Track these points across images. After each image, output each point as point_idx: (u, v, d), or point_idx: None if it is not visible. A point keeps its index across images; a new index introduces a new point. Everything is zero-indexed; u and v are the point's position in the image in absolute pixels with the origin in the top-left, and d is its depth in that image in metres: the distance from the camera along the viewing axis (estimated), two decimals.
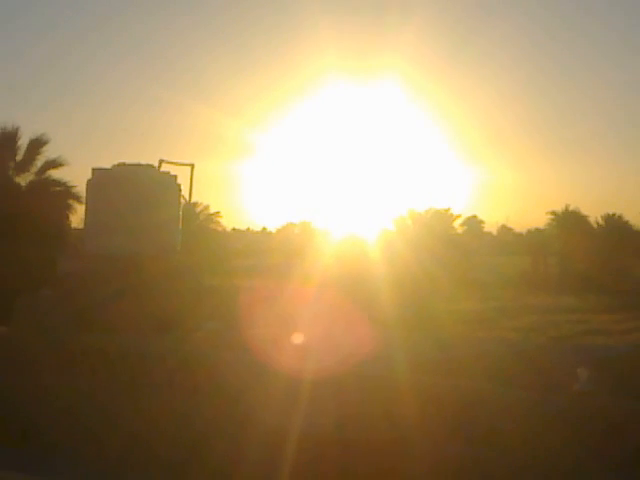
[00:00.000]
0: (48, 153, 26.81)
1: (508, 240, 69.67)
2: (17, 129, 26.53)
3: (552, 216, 53.30)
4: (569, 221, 51.24)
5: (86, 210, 17.30)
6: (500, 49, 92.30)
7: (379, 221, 45.60)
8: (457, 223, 55.69)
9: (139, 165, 17.28)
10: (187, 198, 19.66)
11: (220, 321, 13.31)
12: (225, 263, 39.13)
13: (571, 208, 53.00)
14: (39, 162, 26.58)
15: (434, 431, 9.08)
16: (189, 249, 19.18)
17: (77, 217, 25.95)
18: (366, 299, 17.18)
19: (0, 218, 23.06)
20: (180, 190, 17.95)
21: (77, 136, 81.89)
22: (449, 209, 54.23)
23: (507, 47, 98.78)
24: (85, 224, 17.01)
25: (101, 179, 16.56)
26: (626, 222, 50.98)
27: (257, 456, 9.36)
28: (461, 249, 47.78)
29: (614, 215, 51.56)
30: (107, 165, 17.07)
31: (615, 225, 50.49)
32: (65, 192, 26.51)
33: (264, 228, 74.32)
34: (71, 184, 26.77)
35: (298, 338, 11.54)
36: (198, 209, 45.70)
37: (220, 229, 50.64)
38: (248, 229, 74.58)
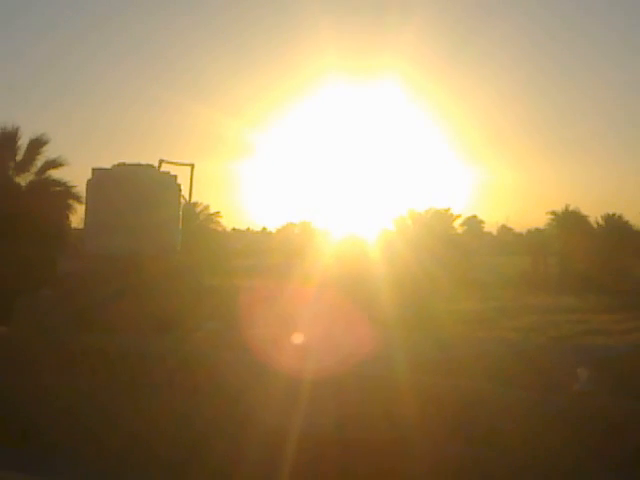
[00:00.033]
0: (48, 153, 26.85)
1: (508, 240, 69.68)
2: (17, 129, 26.56)
3: (552, 216, 53.34)
4: (569, 221, 51.26)
5: (86, 210, 17.29)
6: (500, 49, 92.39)
7: (379, 221, 45.65)
8: (457, 223, 55.74)
9: (139, 165, 17.27)
10: (187, 198, 19.65)
11: (220, 321, 13.31)
12: (225, 263, 39.14)
13: (571, 208, 53.04)
14: (39, 162, 26.61)
15: (434, 431, 9.07)
16: (189, 249, 19.17)
17: (77, 217, 25.97)
18: (366, 299, 17.17)
19: (0, 218, 23.08)
20: (180, 190, 17.94)
21: (77, 136, 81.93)
22: (449, 209, 54.29)
23: (507, 47, 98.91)
24: (85, 224, 16.99)
25: (101, 179, 16.56)
26: (626, 222, 51.00)
27: (257, 456, 9.35)
28: (461, 249, 47.80)
29: (614, 215, 51.58)
30: (107, 165, 17.07)
31: (615, 225, 50.51)
32: (65, 192, 26.52)
33: (264, 228, 74.40)
34: (71, 184, 26.80)
35: (298, 338, 11.54)
36: (198, 209, 45.72)
37: (220, 229, 50.66)
38: (248, 229, 74.66)
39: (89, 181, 16.75)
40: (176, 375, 11.23)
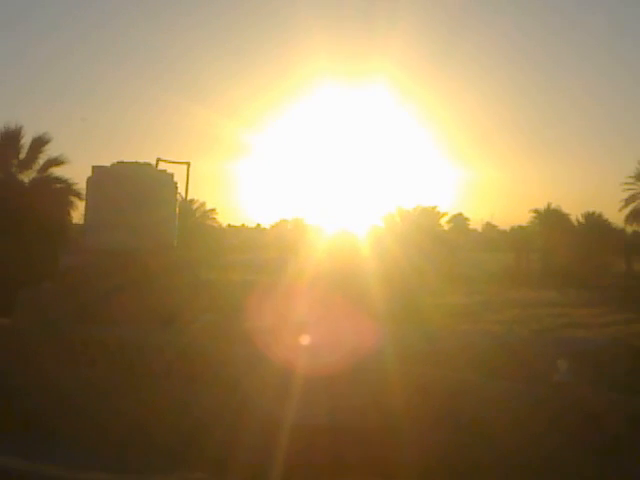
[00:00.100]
0: (50, 151, 27.15)
1: (492, 237, 69.87)
2: (20, 128, 26.85)
3: (534, 214, 53.89)
4: (551, 219, 51.74)
5: (86, 206, 17.42)
6: (484, 53, 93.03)
7: (369, 218, 46.13)
8: (444, 220, 56.37)
9: (137, 163, 17.44)
10: (183, 195, 19.86)
11: (216, 313, 13.51)
12: (221, 258, 39.37)
13: (553, 206, 53.58)
14: (41, 160, 26.89)
15: (421, 419, 9.22)
16: (186, 245, 19.39)
17: (78, 213, 26.27)
18: (356, 293, 17.38)
19: (4, 214, 23.33)
20: (177, 188, 18.11)
21: (78, 135, 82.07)
22: (436, 207, 54.89)
23: (491, 51, 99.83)
24: (85, 220, 17.12)
25: (101, 177, 16.69)
26: (605, 220, 51.51)
27: (253, 443, 9.56)
28: (447, 245, 48.22)
29: (594, 213, 52.11)
30: (107, 163, 17.26)
31: (595, 223, 50.99)
32: (66, 189, 26.80)
33: (258, 224, 74.61)
34: (72, 181, 27.10)
35: (291, 330, 11.74)
36: (194, 206, 45.97)
37: (216, 225, 50.99)
38: (243, 225, 74.84)
39: (89, 178, 16.88)
40: (174, 365, 11.41)
